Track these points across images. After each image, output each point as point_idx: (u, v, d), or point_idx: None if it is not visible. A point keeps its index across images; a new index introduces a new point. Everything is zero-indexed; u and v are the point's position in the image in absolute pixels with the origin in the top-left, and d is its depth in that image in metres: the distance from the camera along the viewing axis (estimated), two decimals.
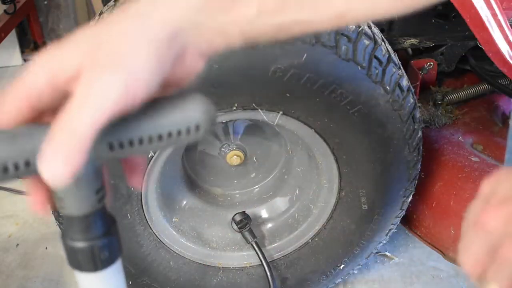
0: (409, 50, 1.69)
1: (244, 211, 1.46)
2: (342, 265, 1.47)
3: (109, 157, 0.44)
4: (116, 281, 0.51)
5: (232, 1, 0.46)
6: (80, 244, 0.48)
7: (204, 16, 0.46)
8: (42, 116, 0.44)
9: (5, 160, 0.40)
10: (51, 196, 0.46)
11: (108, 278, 0.50)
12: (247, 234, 1.42)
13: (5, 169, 0.40)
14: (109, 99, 0.40)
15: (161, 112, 0.44)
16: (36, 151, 0.40)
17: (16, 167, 0.41)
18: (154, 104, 0.44)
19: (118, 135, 0.43)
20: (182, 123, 0.45)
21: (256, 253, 1.41)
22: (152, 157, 1.19)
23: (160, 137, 0.44)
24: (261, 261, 1.41)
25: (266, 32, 0.49)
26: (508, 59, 1.29)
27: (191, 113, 0.45)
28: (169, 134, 0.44)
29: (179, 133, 0.45)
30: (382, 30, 1.50)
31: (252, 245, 1.42)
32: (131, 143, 0.44)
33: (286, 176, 1.53)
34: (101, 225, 0.48)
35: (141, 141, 0.44)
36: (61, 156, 0.38)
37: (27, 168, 0.41)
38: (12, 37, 2.94)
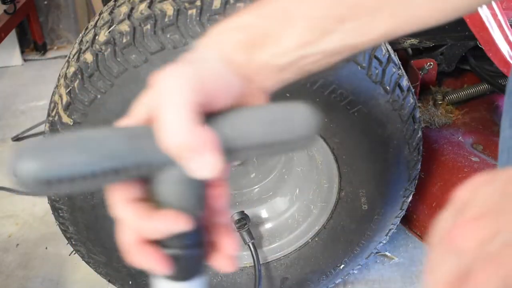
0: (409, 50, 1.69)
1: (243, 211, 1.46)
2: (342, 265, 1.47)
3: (236, 157, 0.45)
4: None
5: (265, 37, 0.49)
6: (179, 252, 0.46)
7: (243, 55, 0.48)
8: None
9: (123, 163, 0.41)
10: (148, 197, 0.46)
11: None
12: (245, 234, 1.41)
13: (121, 171, 0.41)
14: (186, 88, 0.42)
15: (273, 120, 0.44)
16: (154, 153, 0.41)
17: (134, 168, 0.42)
18: (260, 111, 0.45)
19: (232, 140, 0.43)
20: (294, 131, 0.45)
21: (252, 255, 1.40)
22: None
23: (271, 145, 0.44)
24: (254, 263, 1.40)
25: (313, 61, 0.51)
26: (508, 59, 1.29)
27: (302, 122, 0.46)
28: (282, 142, 0.44)
29: (289, 141, 0.45)
30: None
31: (249, 246, 1.41)
32: (246, 147, 0.44)
33: (286, 176, 1.53)
34: (199, 234, 0.47)
35: (254, 147, 0.44)
36: (195, 152, 0.41)
37: (145, 169, 0.42)
38: (12, 37, 2.94)
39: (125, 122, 0.46)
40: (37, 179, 0.38)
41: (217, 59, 0.47)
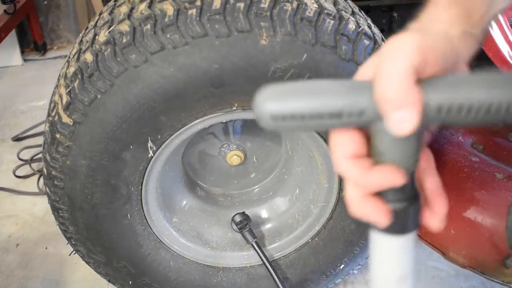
0: None
1: (244, 212, 1.46)
2: (342, 265, 1.47)
3: (435, 120, 0.47)
4: (412, 250, 0.53)
5: (471, 10, 0.54)
6: (397, 205, 0.50)
7: (456, 30, 0.53)
8: None
9: (341, 108, 0.46)
10: (369, 150, 0.51)
11: (410, 244, 0.53)
12: (247, 234, 1.42)
13: (340, 115, 0.47)
14: (410, 49, 0.46)
15: (489, 83, 0.45)
16: (370, 103, 0.46)
17: (350, 115, 0.47)
18: (472, 76, 0.47)
19: (447, 99, 0.45)
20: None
21: (257, 253, 1.41)
22: (152, 157, 1.19)
23: (488, 110, 0.45)
24: (262, 260, 1.41)
25: (488, 24, 0.56)
26: (508, 59, 1.29)
27: None
28: (499, 107, 0.45)
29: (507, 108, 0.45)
30: (382, 30, 1.50)
31: (252, 245, 1.42)
32: (459, 110, 0.45)
33: (286, 176, 1.53)
34: (413, 188, 0.51)
35: (469, 110, 0.45)
36: (401, 105, 0.45)
37: (359, 117, 0.47)
38: (12, 37, 2.94)
39: (355, 78, 0.52)
40: (275, 115, 0.47)
41: (438, 31, 0.51)
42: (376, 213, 0.50)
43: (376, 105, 0.46)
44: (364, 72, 0.51)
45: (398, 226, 0.51)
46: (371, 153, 0.50)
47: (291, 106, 0.47)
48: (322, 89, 0.47)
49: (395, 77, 0.45)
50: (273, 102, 0.47)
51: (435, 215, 0.54)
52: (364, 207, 0.51)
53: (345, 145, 0.50)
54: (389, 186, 0.49)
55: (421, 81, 0.46)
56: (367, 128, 0.50)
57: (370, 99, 0.47)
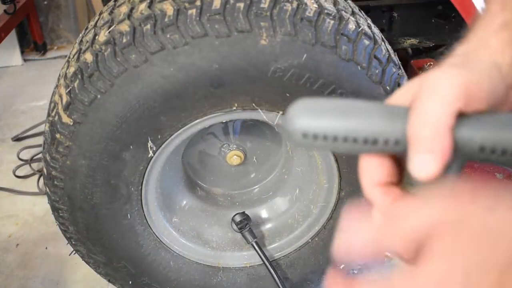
0: (409, 50, 1.69)
1: (244, 212, 1.46)
2: (342, 265, 1.47)
3: (477, 159, 0.45)
4: None
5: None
6: None
7: (507, 56, 0.49)
8: None
9: (378, 134, 0.45)
10: (401, 174, 0.48)
11: None
12: (247, 234, 1.42)
13: (375, 142, 0.45)
14: (452, 89, 0.43)
15: None
16: (404, 133, 0.44)
17: (386, 142, 0.45)
18: None
19: (496, 140, 0.44)
20: None
21: (257, 253, 1.41)
22: (152, 157, 1.19)
23: None
24: (262, 260, 1.41)
25: None
26: None
27: None
28: None
29: None
30: (382, 30, 1.50)
31: (252, 245, 1.42)
32: (503, 152, 0.44)
33: (286, 176, 1.53)
34: None
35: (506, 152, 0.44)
36: (428, 149, 0.43)
37: (395, 146, 0.45)
38: (12, 37, 2.94)
39: (389, 101, 0.49)
40: (306, 132, 0.45)
41: (487, 62, 0.48)
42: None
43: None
44: (400, 98, 0.49)
45: None
46: (403, 180, 0.49)
47: (325, 125, 0.45)
48: (359, 112, 0.45)
49: (432, 117, 0.43)
50: (307, 118, 0.44)
51: None
52: None
53: (375, 172, 0.48)
54: None
55: (467, 117, 0.45)
56: (402, 156, 0.48)
57: (404, 128, 0.45)
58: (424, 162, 0.43)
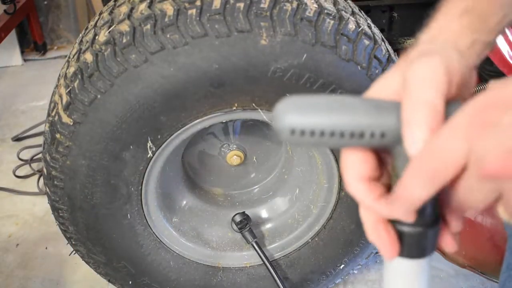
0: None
1: (244, 212, 1.46)
2: (342, 265, 1.47)
3: None
4: (428, 272, 0.51)
5: (480, 20, 0.52)
6: (412, 229, 0.48)
7: (467, 40, 0.51)
8: None
9: (364, 128, 0.45)
10: (390, 169, 0.49)
11: (426, 267, 0.50)
12: (247, 234, 1.42)
13: (362, 135, 0.46)
14: (440, 77, 0.45)
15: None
16: (393, 125, 0.45)
17: (372, 135, 0.46)
18: None
19: None
20: None
21: (257, 253, 1.41)
22: (152, 157, 1.19)
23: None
24: (262, 260, 1.41)
25: (504, 29, 0.54)
26: (508, 59, 1.29)
27: None
28: None
29: None
30: (382, 30, 1.50)
31: (252, 245, 1.42)
32: None
33: (286, 176, 1.53)
34: (433, 212, 0.48)
35: None
36: (421, 126, 0.43)
37: (381, 139, 0.46)
38: (12, 37, 2.94)
39: (369, 93, 0.51)
40: (294, 128, 0.45)
41: (450, 47, 0.49)
42: (383, 243, 0.48)
43: (400, 127, 0.45)
44: (380, 91, 0.49)
45: (414, 250, 0.49)
46: (391, 176, 0.49)
47: (312, 121, 0.45)
48: (345, 106, 0.46)
49: (428, 103, 0.44)
50: (294, 115, 0.45)
51: (448, 235, 0.50)
52: (374, 233, 0.48)
53: (358, 166, 0.48)
54: (398, 219, 0.47)
55: (453, 102, 0.46)
56: (385, 150, 0.48)
57: (394, 121, 0.45)
58: (419, 140, 0.44)
